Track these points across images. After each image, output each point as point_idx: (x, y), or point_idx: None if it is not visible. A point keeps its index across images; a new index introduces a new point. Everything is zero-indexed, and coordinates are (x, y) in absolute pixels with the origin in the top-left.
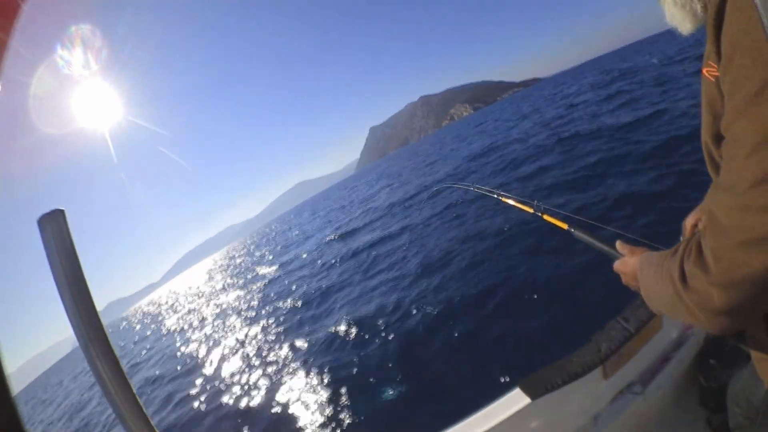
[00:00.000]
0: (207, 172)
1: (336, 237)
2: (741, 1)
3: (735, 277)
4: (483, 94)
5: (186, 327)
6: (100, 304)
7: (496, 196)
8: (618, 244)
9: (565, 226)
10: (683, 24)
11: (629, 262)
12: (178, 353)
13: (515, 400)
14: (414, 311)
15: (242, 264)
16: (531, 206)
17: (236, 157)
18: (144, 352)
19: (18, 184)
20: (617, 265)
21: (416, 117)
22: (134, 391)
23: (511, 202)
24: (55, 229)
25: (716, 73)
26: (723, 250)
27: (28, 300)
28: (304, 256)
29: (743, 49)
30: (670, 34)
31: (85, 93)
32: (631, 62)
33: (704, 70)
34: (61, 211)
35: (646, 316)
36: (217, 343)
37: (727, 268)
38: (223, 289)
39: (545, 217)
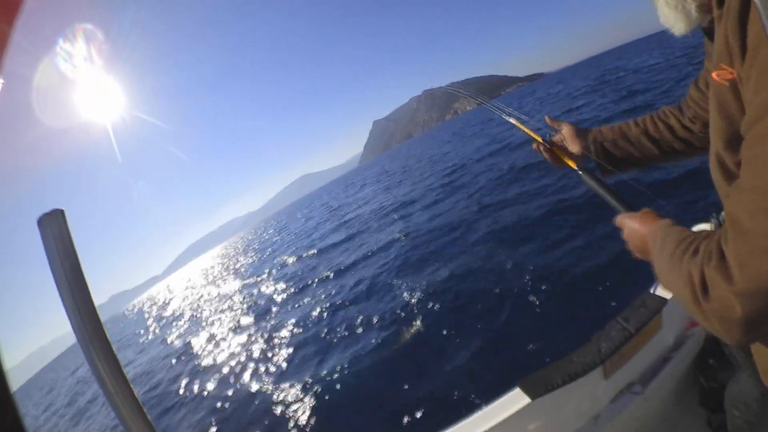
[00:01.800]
0: (209, 165)
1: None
2: None
3: (762, 286)
4: (487, 89)
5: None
6: (102, 297)
7: (506, 117)
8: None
9: (574, 165)
10: (676, 25)
11: (638, 231)
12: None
13: (515, 400)
14: (409, 309)
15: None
16: (541, 136)
17: (239, 149)
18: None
19: (21, 177)
20: (626, 233)
21: (420, 111)
22: (134, 390)
23: (515, 123)
24: (54, 228)
25: (729, 76)
26: (748, 256)
27: (30, 294)
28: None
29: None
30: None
31: (88, 86)
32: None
33: (714, 74)
34: (61, 211)
35: (646, 316)
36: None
37: (753, 277)
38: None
39: (555, 150)
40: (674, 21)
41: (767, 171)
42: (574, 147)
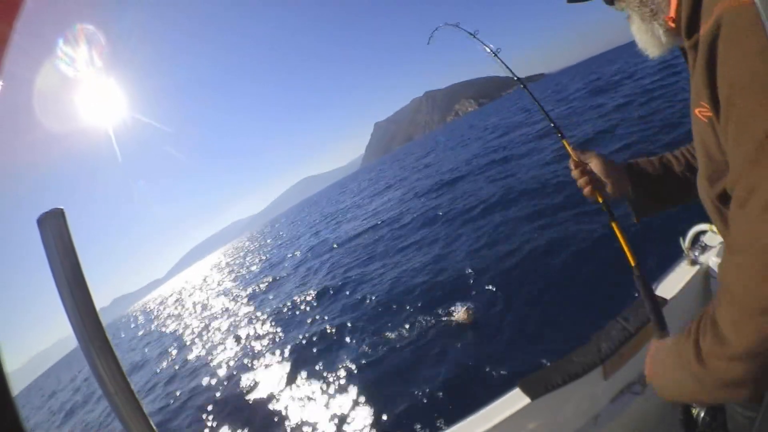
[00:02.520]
0: (212, 167)
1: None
2: (736, 35)
3: (759, 346)
4: (488, 90)
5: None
6: (105, 301)
7: (555, 127)
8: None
9: (633, 262)
10: (649, 49)
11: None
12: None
13: (515, 400)
14: (407, 311)
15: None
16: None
17: (241, 152)
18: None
19: (23, 180)
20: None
21: (421, 113)
22: (134, 391)
23: (563, 140)
24: (54, 228)
25: (709, 114)
26: (742, 320)
27: (31, 297)
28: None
29: (745, 90)
30: None
31: (89, 90)
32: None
33: (696, 111)
34: (61, 211)
35: (646, 316)
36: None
37: (748, 339)
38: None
39: (614, 226)
40: (645, 45)
41: (758, 230)
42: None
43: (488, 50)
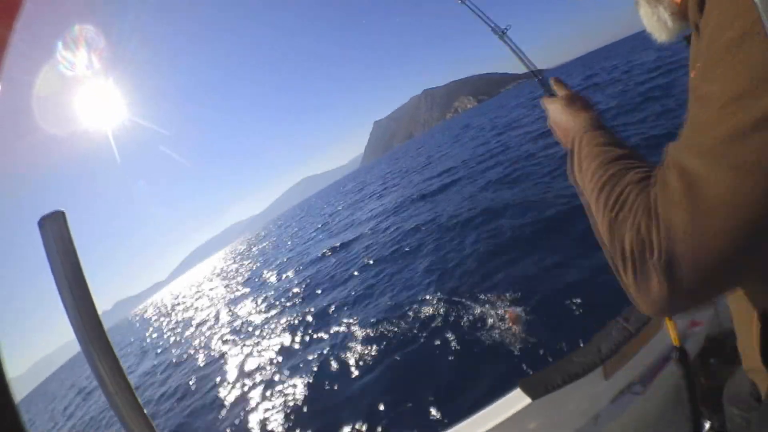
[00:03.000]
0: (211, 169)
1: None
2: None
3: (690, 259)
4: (487, 87)
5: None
6: (107, 304)
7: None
8: (553, 80)
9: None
10: (656, 34)
11: (562, 124)
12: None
13: (515, 400)
14: (409, 308)
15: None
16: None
17: (240, 153)
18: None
19: (23, 183)
20: (550, 119)
21: (420, 110)
22: (134, 391)
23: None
24: (55, 230)
25: None
26: (676, 224)
27: (33, 302)
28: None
29: (722, 5)
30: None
31: (89, 92)
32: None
33: (692, 75)
34: (62, 213)
35: (647, 316)
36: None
37: (679, 249)
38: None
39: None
40: (652, 30)
41: (710, 125)
42: None
43: (491, 27)
